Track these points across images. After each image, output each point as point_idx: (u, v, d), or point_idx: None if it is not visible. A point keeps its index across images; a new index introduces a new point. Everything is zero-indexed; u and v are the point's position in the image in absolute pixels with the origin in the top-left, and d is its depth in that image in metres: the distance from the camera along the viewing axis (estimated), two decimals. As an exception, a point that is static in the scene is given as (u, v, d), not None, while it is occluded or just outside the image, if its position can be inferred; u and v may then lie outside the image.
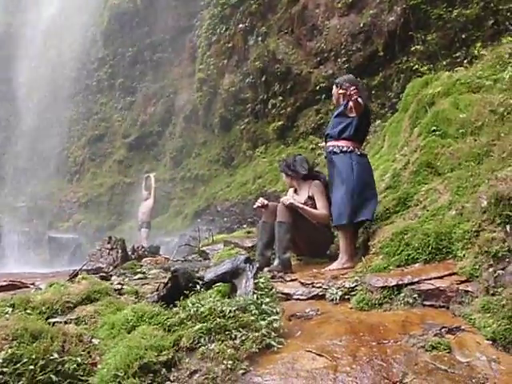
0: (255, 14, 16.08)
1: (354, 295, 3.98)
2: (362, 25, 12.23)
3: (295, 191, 6.33)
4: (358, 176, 5.33)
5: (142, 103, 24.68)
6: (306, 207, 5.82)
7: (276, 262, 5.43)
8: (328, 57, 13.19)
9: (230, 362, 2.91)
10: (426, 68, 9.13)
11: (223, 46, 17.90)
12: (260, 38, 15.78)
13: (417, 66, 9.71)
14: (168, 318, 3.57)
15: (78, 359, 3.20)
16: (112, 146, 25.42)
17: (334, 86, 5.94)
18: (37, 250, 21.24)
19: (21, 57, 27.64)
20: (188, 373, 2.95)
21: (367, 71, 12.09)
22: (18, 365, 3.02)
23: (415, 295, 3.62)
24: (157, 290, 4.41)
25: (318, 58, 13.54)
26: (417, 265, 4.13)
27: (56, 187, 26.79)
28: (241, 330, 3.19)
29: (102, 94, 26.71)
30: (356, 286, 4.10)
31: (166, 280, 4.41)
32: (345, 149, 5.45)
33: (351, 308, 3.86)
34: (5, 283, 7.10)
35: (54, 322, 3.78)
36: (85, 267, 7.78)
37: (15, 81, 27.73)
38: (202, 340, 3.16)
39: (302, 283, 4.53)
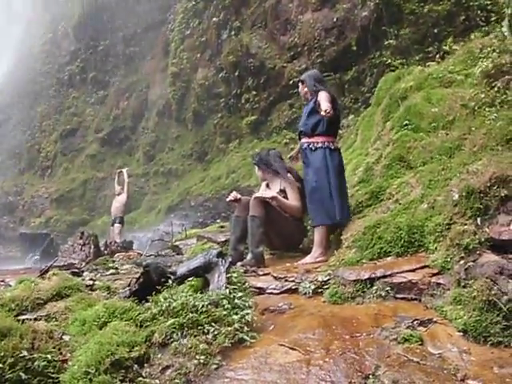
0: (229, 8, 16.04)
1: (327, 289, 3.98)
2: (335, 19, 12.26)
3: (267, 185, 6.32)
4: (333, 173, 5.35)
5: (115, 98, 24.50)
6: (278, 196, 5.81)
7: (249, 257, 5.41)
8: (301, 51, 13.21)
9: (203, 356, 2.90)
10: (398, 62, 9.18)
11: (196, 41, 17.86)
12: (233, 33, 15.76)
13: (390, 61, 9.77)
14: (140, 314, 3.54)
15: (48, 356, 3.14)
16: (84, 141, 25.21)
17: (300, 83, 5.95)
18: (7, 246, 20.99)
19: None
20: (160, 368, 2.93)
21: (340, 66, 12.13)
22: (-14, 363, 2.96)
23: (388, 288, 3.63)
24: (129, 286, 4.38)
25: (292, 53, 13.57)
26: (389, 258, 4.15)
27: (27, 182, 26.48)
28: (213, 324, 3.17)
29: (73, 88, 26.44)
30: (329, 279, 4.10)
31: (138, 275, 4.37)
32: (319, 145, 5.46)
33: (324, 302, 3.86)
34: (-26, 280, 6.99)
35: (23, 319, 3.72)
36: (57, 263, 7.69)
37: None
38: (175, 335, 3.14)
39: (274, 277, 4.52)
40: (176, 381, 2.78)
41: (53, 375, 3.04)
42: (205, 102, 17.61)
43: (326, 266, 4.58)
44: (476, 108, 5.23)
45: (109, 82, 25.01)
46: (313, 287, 4.10)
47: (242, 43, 15.09)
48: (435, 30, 10.31)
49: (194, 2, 17.73)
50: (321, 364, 2.76)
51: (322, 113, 5.09)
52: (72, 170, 25.04)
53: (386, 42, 10.91)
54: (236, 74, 15.53)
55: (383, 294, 3.62)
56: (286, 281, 4.38)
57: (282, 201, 5.81)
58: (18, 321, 3.61)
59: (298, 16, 13.38)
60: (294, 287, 4.25)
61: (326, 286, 4.04)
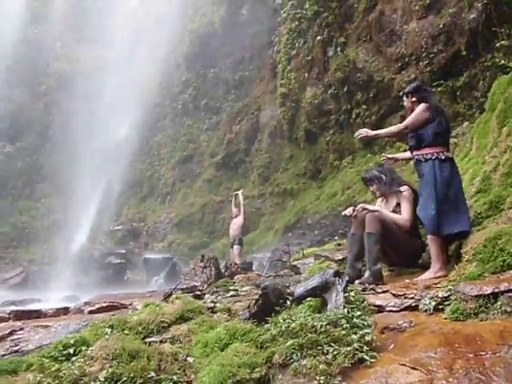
0: (332, 25, 16.08)
1: (448, 305, 3.85)
2: (441, 25, 11.94)
3: (383, 200, 6.25)
4: (442, 183, 5.22)
5: (227, 122, 25.13)
6: (383, 211, 5.73)
7: (367, 274, 5.35)
8: (409, 61, 12.98)
9: (323, 377, 2.89)
10: (513, 63, 8.79)
11: (303, 60, 17.99)
12: (339, 49, 15.77)
13: (503, 62, 9.35)
14: (260, 335, 3.60)
15: (174, 377, 3.30)
16: (201, 166, 26.02)
17: (404, 97, 5.87)
18: (134, 270, 21.98)
19: (108, 85, 28.78)
20: (281, 389, 2.96)
21: (451, 72, 11.78)
22: (119, 383, 3.16)
23: (513, 303, 3.48)
24: (248, 307, 4.47)
25: (399, 64, 13.35)
26: (513, 271, 3.98)
27: (149, 209, 27.70)
28: (332, 344, 3.16)
29: (187, 116, 27.44)
30: (450, 295, 3.96)
31: (257, 297, 4.46)
32: (428, 156, 5.36)
33: (445, 318, 3.74)
34: (105, 304, 7.46)
35: (150, 342, 3.91)
36: (180, 286, 7.99)
37: (103, 110, 28.91)
38: (294, 356, 3.16)
39: (394, 294, 4.44)
40: (297, 402, 2.81)
41: (178, 396, 3.18)
42: (315, 120, 17.68)
43: (446, 281, 4.44)
44: None
45: (220, 107, 25.74)
46: (433, 304, 3.98)
47: (348, 58, 15.06)
48: (551, 26, 9.82)
49: (297, 23, 17.90)
50: (444, 384, 2.68)
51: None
52: (190, 194, 25.88)
53: (498, 44, 10.44)
54: (345, 89, 15.52)
55: (509, 310, 3.46)
56: (406, 298, 4.29)
57: (389, 215, 5.72)
58: (145, 343, 3.81)
59: (402, 26, 13.16)
60: (413, 304, 4.15)
61: (446, 303, 3.91)
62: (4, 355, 5.18)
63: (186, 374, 3.43)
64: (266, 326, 3.75)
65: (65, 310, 8.29)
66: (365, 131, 5.67)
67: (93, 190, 28.36)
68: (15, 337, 5.99)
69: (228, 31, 24.44)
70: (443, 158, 5.35)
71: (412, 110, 5.76)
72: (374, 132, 5.72)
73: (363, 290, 4.66)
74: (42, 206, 29.65)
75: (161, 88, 28.44)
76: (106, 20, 29.78)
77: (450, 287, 4.09)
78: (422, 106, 5.42)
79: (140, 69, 28.08)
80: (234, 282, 8.30)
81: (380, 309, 4.24)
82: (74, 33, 31.85)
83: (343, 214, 6.12)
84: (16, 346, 5.62)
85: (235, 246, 15.29)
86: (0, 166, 29.82)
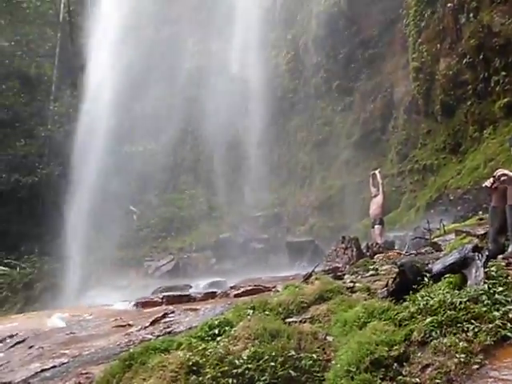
0: (463, -10, 15.37)
1: None
2: None
3: (526, 170, 5.93)
4: None
5: (361, 102, 24.81)
6: None
7: (510, 249, 5.13)
8: (551, 17, 12.11)
9: (463, 355, 2.86)
10: None
11: (434, 30, 17.36)
12: (472, 15, 15.04)
13: None
14: (398, 313, 3.61)
15: (314, 356, 3.41)
16: (337, 148, 25.90)
17: None
18: (277, 254, 22.42)
19: (240, 75, 29.42)
20: (420, 367, 2.95)
21: None
22: (261, 361, 3.33)
23: None
24: (386, 286, 4.47)
25: (541, 22, 12.50)
26: None
27: (289, 194, 28.05)
28: (473, 321, 3.11)
29: (321, 99, 27.38)
30: None
31: (394, 275, 4.45)
32: None
33: None
34: (249, 288, 7.78)
35: (290, 322, 4.06)
36: (322, 268, 8.12)
37: (239, 101, 29.56)
38: (434, 333, 3.14)
39: (541, 269, 4.25)
40: (437, 380, 2.79)
41: (318, 373, 3.27)
42: (452, 92, 17.03)
43: None
44: None
45: (353, 87, 25.41)
46: None
47: (482, 24, 14.31)
48: None
49: (425, -7, 17.40)
50: None
51: None
52: (329, 177, 25.88)
53: None
54: (481, 57, 14.79)
55: None
56: (556, 272, 4.08)
57: None
58: (285, 323, 3.96)
59: (542, -21, 12.33)
60: None
61: None
62: (158, 336, 5.61)
63: (325, 353, 3.53)
64: (404, 303, 3.74)
65: (212, 295, 8.73)
66: None
67: (232, 177, 29.22)
68: (167, 319, 6.46)
69: (354, 9, 24.06)
70: None
71: None
72: None
73: (507, 265, 4.49)
74: (187, 196, 31.00)
75: (292, 73, 28.63)
76: (233, 11, 30.29)
77: None
78: None
79: (270, 55, 28.43)
80: (374, 262, 8.28)
81: (526, 284, 4.07)
82: (203, 28, 32.71)
83: (483, 185, 5.90)
84: (168, 327, 6.05)
85: (376, 226, 15.17)
86: (146, 162, 31.50)
